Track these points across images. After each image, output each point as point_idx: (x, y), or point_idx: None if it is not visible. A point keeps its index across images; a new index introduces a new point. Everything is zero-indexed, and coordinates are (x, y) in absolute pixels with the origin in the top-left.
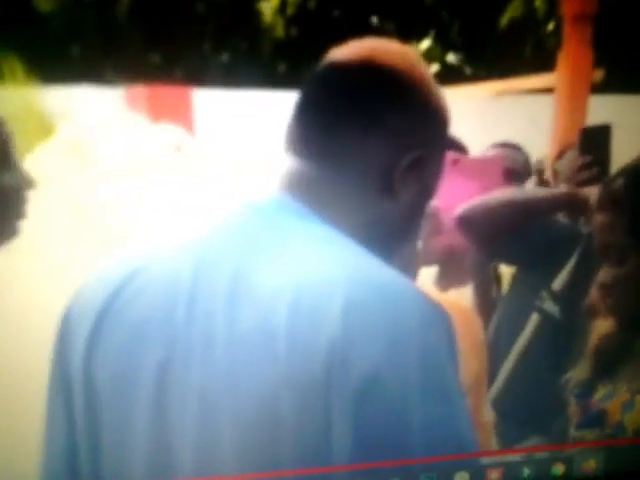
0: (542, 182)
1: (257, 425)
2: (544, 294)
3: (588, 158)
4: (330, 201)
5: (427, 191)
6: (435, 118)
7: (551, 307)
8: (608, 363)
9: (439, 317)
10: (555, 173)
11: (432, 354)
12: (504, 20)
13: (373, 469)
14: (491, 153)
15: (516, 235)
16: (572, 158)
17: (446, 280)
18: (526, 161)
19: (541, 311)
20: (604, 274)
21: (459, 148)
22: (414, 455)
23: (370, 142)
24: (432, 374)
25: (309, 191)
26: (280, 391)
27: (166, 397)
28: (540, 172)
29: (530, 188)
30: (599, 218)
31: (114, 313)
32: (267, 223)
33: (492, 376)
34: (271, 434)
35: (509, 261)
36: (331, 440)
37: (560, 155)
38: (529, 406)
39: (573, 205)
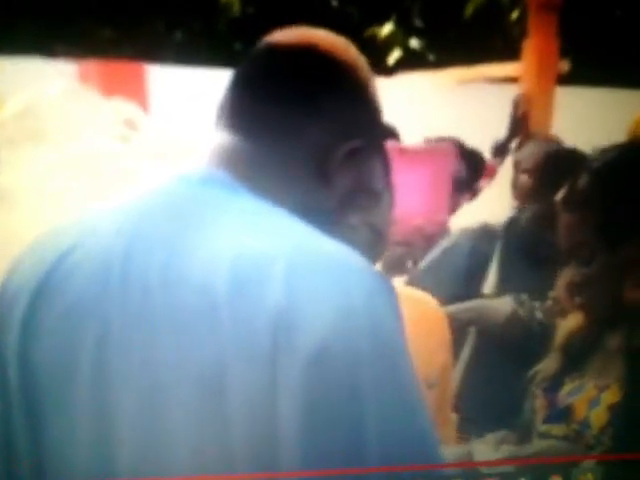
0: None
1: (202, 398)
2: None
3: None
4: (262, 178)
5: (364, 182)
6: (372, 110)
7: None
8: (576, 358)
9: (387, 287)
10: (516, 163)
11: (382, 323)
12: (469, 9)
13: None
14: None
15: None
16: (533, 150)
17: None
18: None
19: None
20: (572, 273)
21: (393, 136)
22: (367, 427)
23: (306, 127)
24: (382, 343)
25: (241, 166)
26: (224, 363)
27: (105, 375)
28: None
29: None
30: (565, 217)
31: (49, 290)
32: (198, 196)
33: None
34: (216, 406)
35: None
36: (278, 411)
37: (521, 146)
38: (488, 403)
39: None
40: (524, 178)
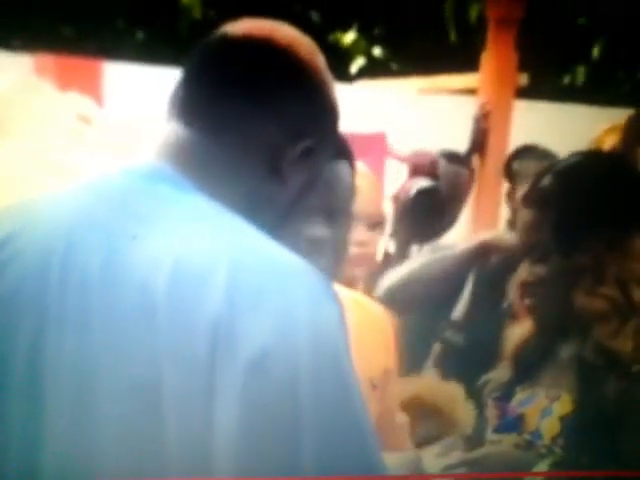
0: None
1: (136, 399)
2: (444, 325)
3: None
4: (212, 174)
5: (315, 181)
6: (328, 111)
7: (454, 336)
8: (528, 368)
9: (330, 295)
10: (512, 173)
11: (323, 330)
12: (452, 33)
13: None
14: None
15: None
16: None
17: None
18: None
19: (444, 341)
20: (525, 272)
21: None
22: (305, 435)
23: (260, 123)
24: (323, 348)
25: (189, 162)
26: (161, 365)
27: (39, 369)
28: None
29: (441, 253)
30: (525, 215)
31: None
32: (143, 191)
33: None
34: (152, 408)
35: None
36: (216, 416)
37: (516, 155)
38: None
39: (490, 252)
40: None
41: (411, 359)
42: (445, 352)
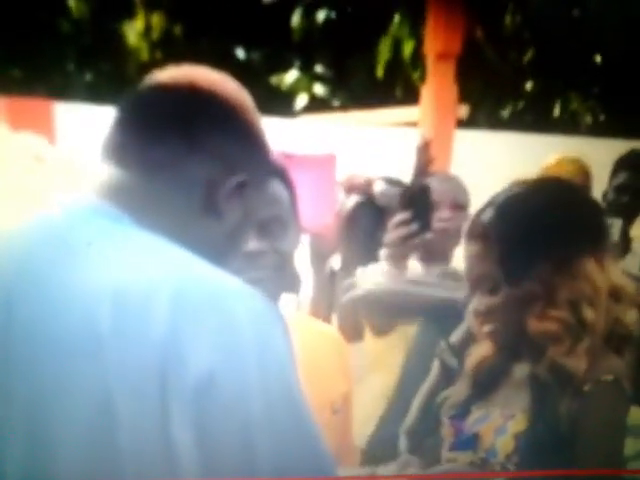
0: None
1: (91, 430)
2: (443, 344)
3: (408, 215)
4: (149, 211)
5: (253, 214)
6: (257, 145)
7: (449, 358)
8: (483, 387)
9: (273, 314)
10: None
11: (269, 350)
12: (379, 68)
13: None
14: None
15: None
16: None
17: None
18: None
19: (441, 360)
20: (477, 302)
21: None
22: (260, 450)
23: (192, 162)
24: (270, 369)
25: (128, 200)
26: (112, 393)
27: None
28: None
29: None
30: (470, 248)
31: None
32: (81, 227)
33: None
34: (107, 438)
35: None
36: (171, 441)
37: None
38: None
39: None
40: None
41: (415, 372)
42: (442, 371)
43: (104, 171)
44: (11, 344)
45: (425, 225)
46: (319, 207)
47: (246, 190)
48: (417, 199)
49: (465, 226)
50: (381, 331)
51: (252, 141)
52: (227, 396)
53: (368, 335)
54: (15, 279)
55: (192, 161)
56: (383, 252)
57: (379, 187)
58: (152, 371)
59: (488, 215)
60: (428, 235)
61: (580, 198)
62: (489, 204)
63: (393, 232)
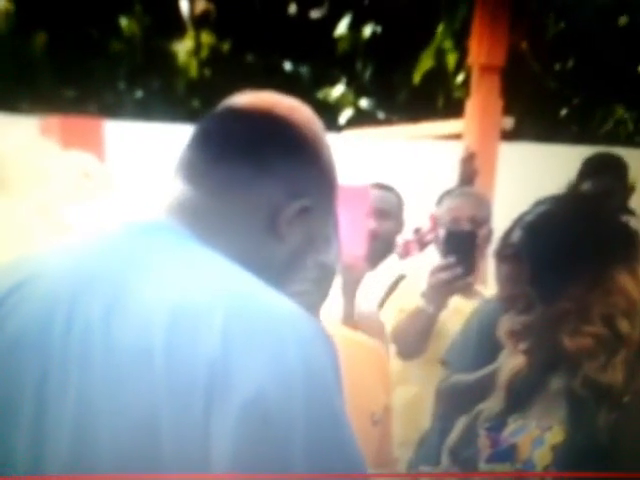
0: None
1: (135, 441)
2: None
3: (451, 260)
4: (213, 230)
5: (314, 239)
6: (324, 173)
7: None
8: (520, 399)
9: (322, 338)
10: (434, 218)
11: (316, 375)
12: (417, 76)
13: None
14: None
15: None
16: (450, 205)
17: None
18: (398, 204)
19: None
20: (511, 322)
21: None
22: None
23: (259, 184)
24: (316, 396)
25: (194, 217)
26: (159, 410)
27: (44, 412)
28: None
29: None
30: (501, 269)
31: None
32: (146, 243)
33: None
34: (150, 450)
35: None
36: (211, 462)
37: (440, 200)
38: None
39: None
40: None
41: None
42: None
43: (171, 188)
44: (70, 344)
45: (468, 268)
46: (351, 238)
47: (309, 216)
48: (462, 243)
49: (495, 247)
50: None
51: (319, 169)
52: (270, 419)
53: None
54: (78, 284)
55: (259, 184)
56: (426, 291)
57: (375, 193)
58: (199, 389)
59: (517, 235)
60: (470, 279)
61: (608, 210)
62: (517, 223)
63: (436, 275)
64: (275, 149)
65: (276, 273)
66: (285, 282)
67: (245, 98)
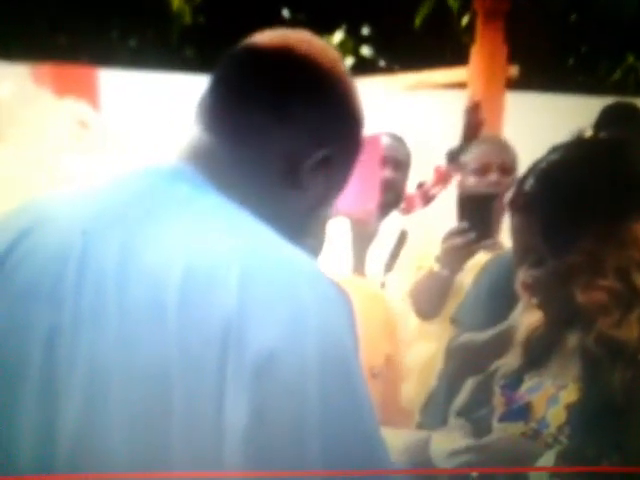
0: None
1: (147, 398)
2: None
3: (465, 224)
4: (232, 178)
5: (334, 188)
6: (350, 119)
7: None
8: (536, 356)
9: (340, 296)
10: (439, 171)
11: (332, 333)
12: (418, 20)
13: None
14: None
15: None
16: (477, 152)
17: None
18: (407, 153)
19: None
20: (524, 274)
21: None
22: (312, 440)
23: (281, 131)
24: (332, 351)
25: (212, 164)
26: (171, 364)
27: (54, 363)
28: None
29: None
30: (513, 220)
31: (5, 273)
32: (165, 192)
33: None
34: (161, 407)
35: None
36: (224, 415)
37: (463, 149)
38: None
39: None
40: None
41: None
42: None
43: (191, 134)
44: (82, 297)
45: (486, 232)
46: (362, 192)
47: (331, 165)
48: (479, 206)
49: (508, 196)
50: None
51: (343, 116)
52: (284, 379)
53: None
54: (92, 232)
55: (280, 130)
56: (440, 256)
57: (385, 141)
58: (213, 346)
59: (529, 184)
60: (489, 242)
61: (625, 158)
62: (530, 172)
63: (450, 240)
64: (296, 90)
65: (295, 226)
66: (302, 236)
67: (264, 36)
